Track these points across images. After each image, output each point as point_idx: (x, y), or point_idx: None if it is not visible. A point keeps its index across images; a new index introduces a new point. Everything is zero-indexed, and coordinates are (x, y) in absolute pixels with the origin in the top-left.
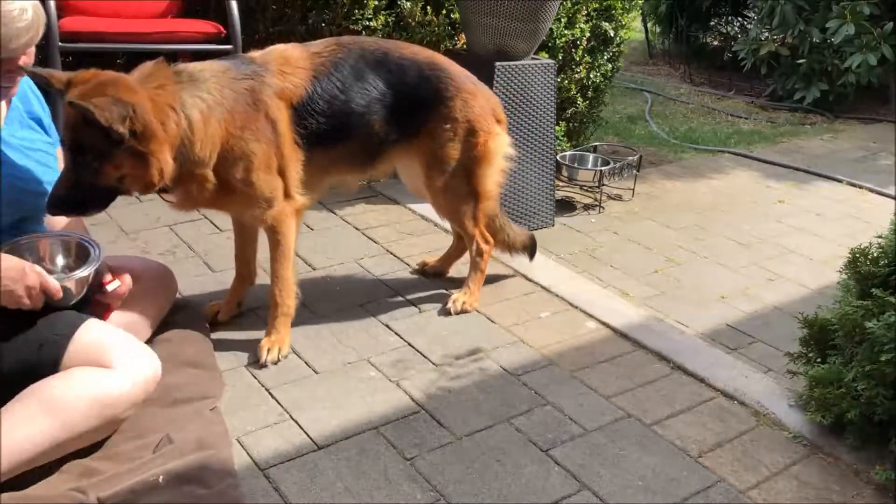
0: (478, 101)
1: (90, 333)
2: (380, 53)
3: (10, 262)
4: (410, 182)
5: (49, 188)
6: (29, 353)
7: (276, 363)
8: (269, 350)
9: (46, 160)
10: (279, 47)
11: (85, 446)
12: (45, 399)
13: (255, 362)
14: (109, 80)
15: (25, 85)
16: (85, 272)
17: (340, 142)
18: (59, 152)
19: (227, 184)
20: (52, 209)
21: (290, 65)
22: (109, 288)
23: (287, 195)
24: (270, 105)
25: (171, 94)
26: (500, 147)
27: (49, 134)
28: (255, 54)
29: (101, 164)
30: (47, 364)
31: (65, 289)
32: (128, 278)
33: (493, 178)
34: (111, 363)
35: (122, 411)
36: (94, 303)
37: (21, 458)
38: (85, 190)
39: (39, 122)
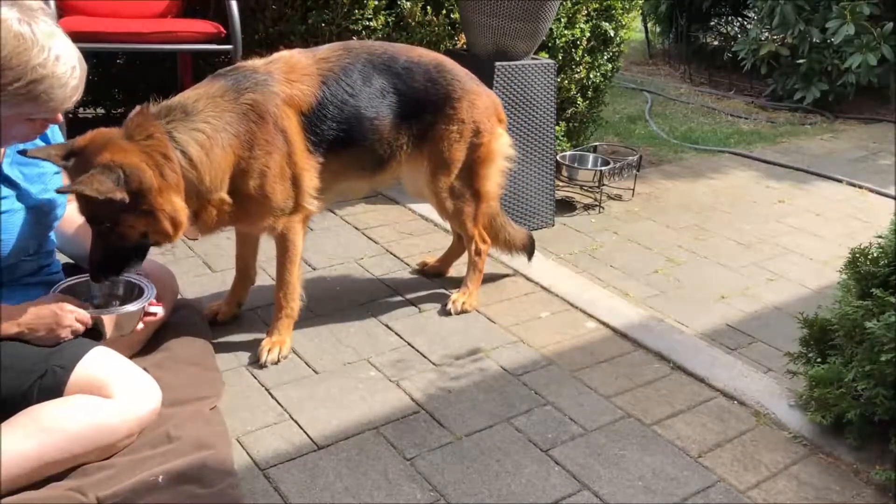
0: (482, 101)
1: (93, 364)
2: (387, 57)
3: (43, 310)
4: (412, 184)
5: (59, 209)
6: (32, 380)
7: (275, 363)
8: (269, 350)
9: (54, 180)
10: (284, 54)
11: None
12: (39, 420)
13: (256, 362)
14: (98, 147)
15: None
16: (134, 307)
17: (352, 147)
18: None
19: (243, 201)
20: (96, 278)
21: (296, 72)
22: (153, 309)
23: (299, 203)
24: (278, 115)
25: (160, 141)
26: (502, 148)
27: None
28: (259, 63)
29: (119, 228)
30: (49, 392)
31: (119, 318)
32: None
33: (495, 179)
34: (112, 394)
35: (117, 441)
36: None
37: (9, 474)
38: (116, 253)
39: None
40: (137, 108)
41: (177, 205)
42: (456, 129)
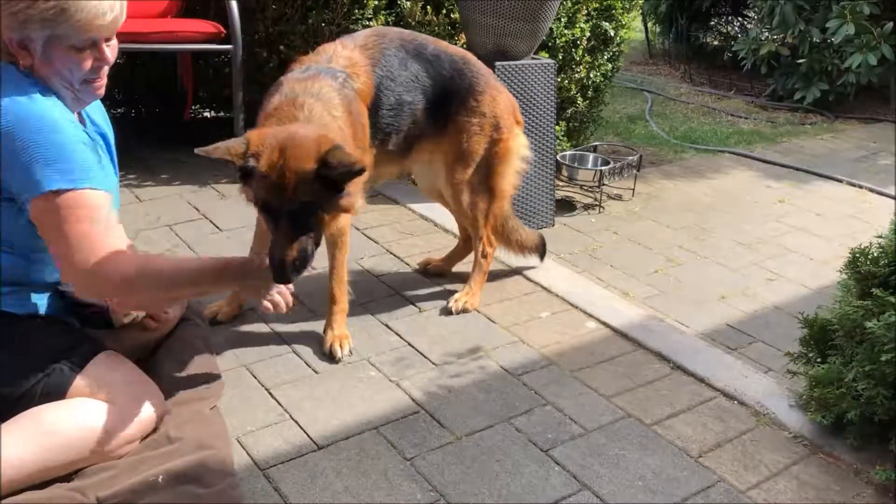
0: (503, 98)
1: (99, 368)
2: (417, 43)
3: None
4: (427, 178)
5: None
6: (37, 377)
7: (349, 355)
8: (340, 346)
9: (113, 181)
10: (335, 49)
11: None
12: (40, 424)
13: (331, 358)
14: (290, 141)
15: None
16: None
17: (394, 134)
18: None
19: None
20: (287, 278)
21: (356, 65)
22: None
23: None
24: (361, 111)
25: (331, 121)
26: (519, 147)
27: (112, 154)
28: (324, 59)
29: (324, 213)
30: (52, 392)
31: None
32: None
33: (510, 179)
34: (114, 399)
35: (115, 447)
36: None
37: (8, 477)
38: (309, 247)
39: (106, 140)
40: (275, 105)
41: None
42: (477, 122)
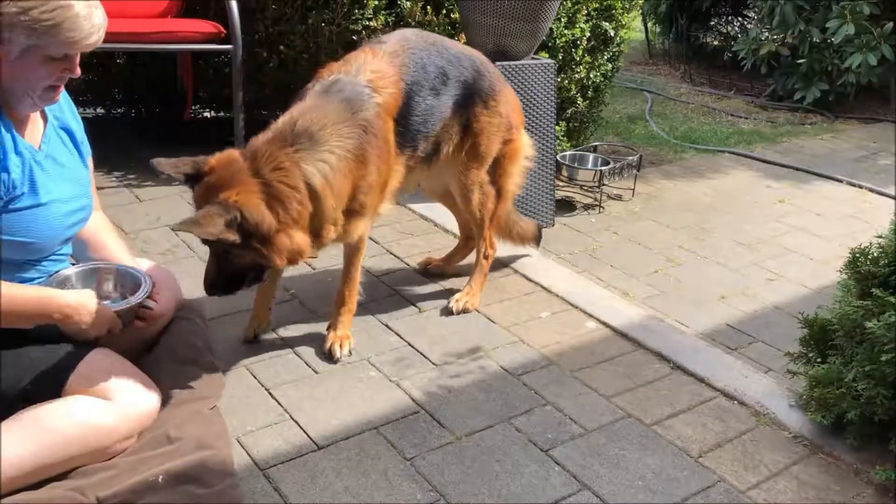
0: (513, 98)
1: (93, 365)
2: (440, 45)
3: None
4: (433, 179)
5: (83, 212)
6: (31, 378)
7: (348, 356)
8: (340, 346)
9: (80, 177)
10: (364, 59)
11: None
12: (38, 421)
13: (330, 358)
14: (222, 179)
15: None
16: (126, 303)
17: (422, 140)
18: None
19: (345, 216)
20: (210, 293)
21: (384, 77)
22: (149, 303)
23: (378, 207)
24: (384, 127)
25: (290, 172)
26: (525, 147)
27: (80, 150)
28: (351, 72)
29: (232, 257)
30: (48, 391)
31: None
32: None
33: (516, 179)
34: (110, 396)
35: (113, 444)
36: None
37: (8, 476)
38: (230, 274)
39: (71, 135)
40: (269, 133)
41: (297, 239)
42: (496, 122)
